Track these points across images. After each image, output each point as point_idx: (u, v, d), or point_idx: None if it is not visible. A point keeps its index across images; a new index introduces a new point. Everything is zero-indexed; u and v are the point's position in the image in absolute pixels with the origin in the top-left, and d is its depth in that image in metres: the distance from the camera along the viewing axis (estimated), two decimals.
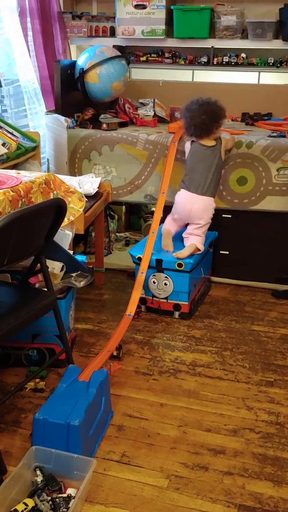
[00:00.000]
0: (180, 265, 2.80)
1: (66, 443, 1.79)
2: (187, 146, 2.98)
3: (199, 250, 2.89)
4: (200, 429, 2.07)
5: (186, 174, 2.96)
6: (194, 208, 2.91)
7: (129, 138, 3.21)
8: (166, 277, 2.87)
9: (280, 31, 3.38)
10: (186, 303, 2.88)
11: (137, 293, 2.75)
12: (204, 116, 2.84)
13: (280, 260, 3.20)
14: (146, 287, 2.92)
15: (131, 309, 2.67)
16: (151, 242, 2.89)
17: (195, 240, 2.91)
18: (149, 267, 2.84)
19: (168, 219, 3.06)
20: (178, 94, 3.59)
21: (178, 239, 3.03)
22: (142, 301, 2.96)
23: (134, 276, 2.92)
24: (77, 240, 3.40)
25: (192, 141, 2.95)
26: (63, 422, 1.79)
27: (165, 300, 2.92)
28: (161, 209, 3.04)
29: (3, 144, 2.80)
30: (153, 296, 2.95)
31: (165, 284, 2.88)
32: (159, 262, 2.85)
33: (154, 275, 2.89)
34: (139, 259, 2.87)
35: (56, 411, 1.84)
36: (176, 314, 2.93)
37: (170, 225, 3.03)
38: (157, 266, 2.86)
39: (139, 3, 3.46)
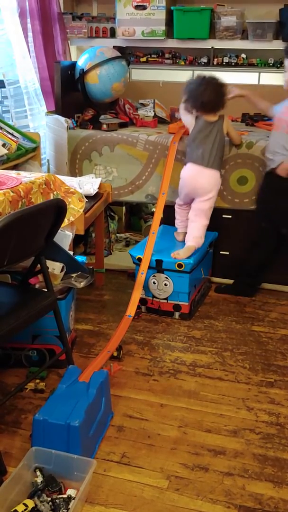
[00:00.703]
0: (180, 265, 2.80)
1: (66, 443, 1.79)
2: (191, 122, 2.94)
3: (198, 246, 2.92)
4: (200, 430, 2.07)
5: (191, 149, 2.93)
6: (200, 182, 2.90)
7: (129, 138, 3.21)
8: (166, 277, 2.86)
9: (280, 32, 3.38)
10: (186, 303, 2.88)
11: (137, 294, 2.75)
12: (213, 93, 2.83)
13: (280, 260, 3.19)
14: (146, 287, 2.92)
15: (131, 309, 2.67)
16: (151, 243, 2.89)
17: (193, 239, 2.90)
18: (149, 267, 2.84)
19: (177, 213, 3.10)
20: (178, 94, 3.56)
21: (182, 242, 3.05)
22: (142, 301, 2.95)
23: (134, 277, 2.92)
24: (78, 240, 3.40)
25: (196, 117, 2.93)
26: (63, 423, 1.79)
27: (165, 301, 2.92)
28: (161, 210, 3.04)
29: (3, 145, 2.80)
30: (153, 296, 2.95)
31: (165, 284, 2.88)
32: (159, 262, 2.85)
33: (154, 276, 2.89)
34: (139, 259, 2.87)
35: (56, 411, 1.83)
36: (176, 314, 2.93)
37: (180, 224, 3.11)
38: (157, 266, 2.86)
39: (139, 4, 3.46)
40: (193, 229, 2.93)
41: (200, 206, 2.92)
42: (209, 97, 2.83)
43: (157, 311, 2.96)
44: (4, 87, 3.24)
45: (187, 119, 2.98)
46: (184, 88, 2.94)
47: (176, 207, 3.12)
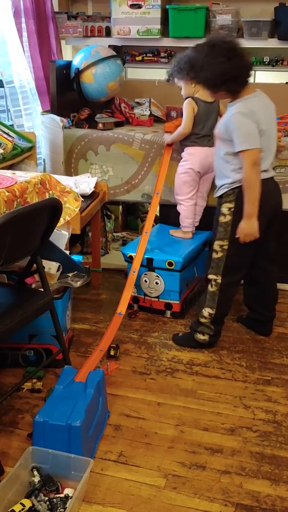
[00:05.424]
0: (170, 264, 2.80)
1: (68, 444, 1.78)
2: (193, 105, 2.93)
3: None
4: (198, 428, 2.07)
5: (197, 132, 2.96)
6: (212, 160, 2.92)
7: (125, 137, 3.21)
8: (157, 276, 2.86)
9: (275, 30, 3.39)
10: (177, 302, 2.88)
11: (128, 292, 2.75)
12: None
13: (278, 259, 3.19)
14: (138, 286, 2.91)
15: (122, 307, 2.67)
16: (144, 242, 2.89)
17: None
18: (141, 265, 2.84)
19: (190, 212, 3.06)
20: (174, 93, 3.58)
21: (175, 240, 3.06)
22: (135, 300, 2.96)
23: (127, 275, 2.91)
24: (74, 240, 3.40)
25: (195, 101, 2.92)
26: (64, 424, 1.78)
27: (156, 299, 2.92)
28: (155, 209, 3.04)
29: None
30: (145, 295, 2.94)
31: (156, 283, 2.88)
32: (149, 261, 2.85)
33: (145, 274, 2.89)
34: (131, 257, 2.88)
35: (56, 412, 1.83)
36: (168, 313, 2.92)
37: (193, 223, 3.12)
38: (148, 265, 2.86)
39: (135, 2, 3.46)
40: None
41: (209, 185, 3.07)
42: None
43: (149, 309, 2.96)
44: (2, 86, 3.23)
45: (186, 103, 2.96)
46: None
47: (189, 205, 3.04)
